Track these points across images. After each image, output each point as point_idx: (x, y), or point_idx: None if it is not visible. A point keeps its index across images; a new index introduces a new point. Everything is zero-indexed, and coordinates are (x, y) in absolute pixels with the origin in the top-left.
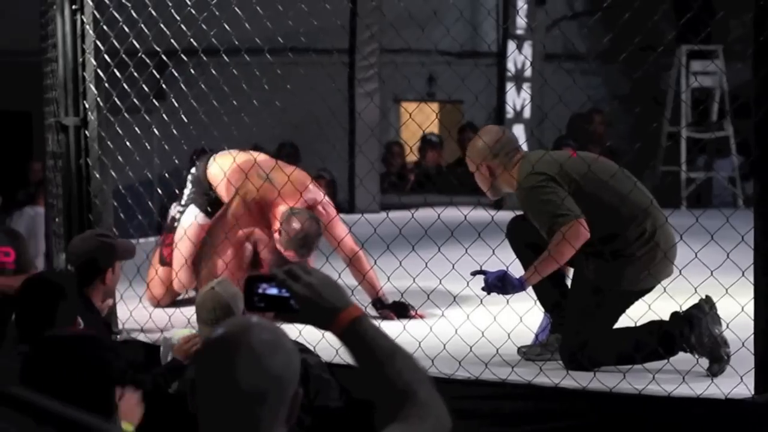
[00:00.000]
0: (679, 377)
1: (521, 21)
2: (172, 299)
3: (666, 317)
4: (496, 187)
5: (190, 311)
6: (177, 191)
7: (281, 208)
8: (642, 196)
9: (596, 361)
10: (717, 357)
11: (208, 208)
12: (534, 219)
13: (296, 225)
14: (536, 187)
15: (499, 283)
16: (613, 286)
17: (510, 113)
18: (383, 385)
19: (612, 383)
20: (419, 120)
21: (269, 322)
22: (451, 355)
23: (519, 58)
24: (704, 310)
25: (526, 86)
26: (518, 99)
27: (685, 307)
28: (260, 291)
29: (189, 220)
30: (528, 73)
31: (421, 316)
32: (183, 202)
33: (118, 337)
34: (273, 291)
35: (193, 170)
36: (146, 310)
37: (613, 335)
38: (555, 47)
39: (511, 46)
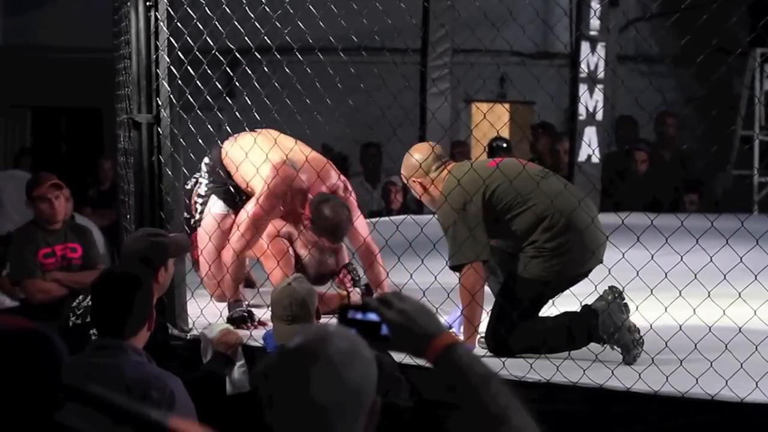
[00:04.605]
0: (752, 383)
1: (594, 22)
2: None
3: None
4: (430, 198)
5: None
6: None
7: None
8: (567, 196)
9: (506, 350)
10: (625, 345)
11: (236, 199)
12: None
13: (328, 213)
14: (447, 216)
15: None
16: (529, 276)
17: (582, 115)
18: (477, 411)
19: (684, 388)
20: (489, 121)
21: (347, 330)
22: (523, 358)
23: (592, 59)
24: (607, 300)
25: (598, 88)
26: (591, 101)
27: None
28: (350, 317)
29: (216, 211)
30: (601, 74)
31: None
32: (203, 193)
33: (188, 335)
34: (362, 316)
35: (206, 160)
36: (217, 308)
37: (524, 328)
38: (628, 49)
39: (585, 47)
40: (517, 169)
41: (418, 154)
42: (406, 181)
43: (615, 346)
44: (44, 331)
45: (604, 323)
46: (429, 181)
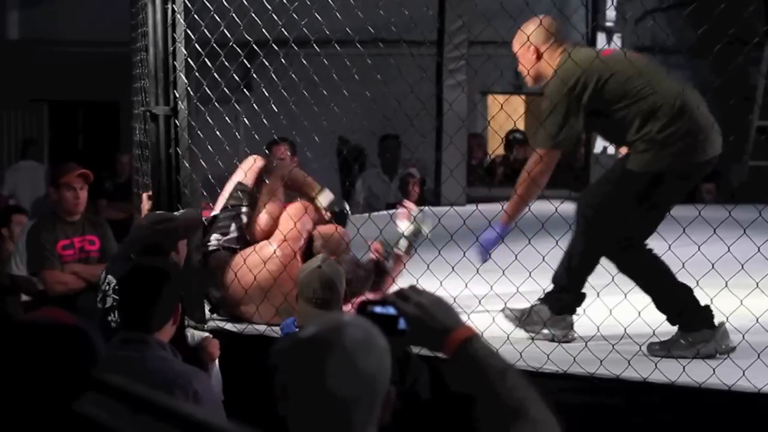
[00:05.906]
0: None
1: (611, 13)
2: None
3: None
4: (538, 71)
5: None
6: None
7: None
8: (673, 84)
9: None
10: (684, 356)
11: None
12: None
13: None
14: (554, 93)
15: (485, 248)
16: (637, 169)
17: None
18: (494, 403)
19: (701, 378)
20: (505, 113)
21: (362, 320)
22: (540, 349)
23: None
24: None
25: None
26: None
27: None
28: (368, 310)
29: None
30: None
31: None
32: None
33: (206, 326)
34: (379, 310)
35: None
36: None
37: (649, 265)
38: (644, 40)
39: (601, 38)
40: (632, 60)
41: (535, 23)
42: (521, 48)
43: (682, 350)
44: (85, 327)
45: (710, 339)
46: (546, 51)
